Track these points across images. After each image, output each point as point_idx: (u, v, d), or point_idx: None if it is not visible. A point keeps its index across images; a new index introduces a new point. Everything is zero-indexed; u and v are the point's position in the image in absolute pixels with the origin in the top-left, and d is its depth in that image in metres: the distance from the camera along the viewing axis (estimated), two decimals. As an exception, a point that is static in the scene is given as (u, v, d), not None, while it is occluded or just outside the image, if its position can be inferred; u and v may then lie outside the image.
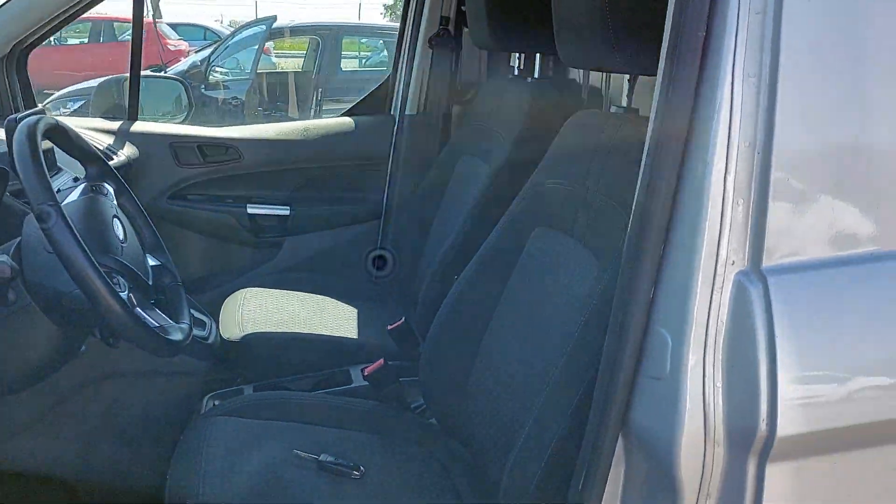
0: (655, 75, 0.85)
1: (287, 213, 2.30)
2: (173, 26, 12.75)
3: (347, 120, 2.40)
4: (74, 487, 1.48)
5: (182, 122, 2.34)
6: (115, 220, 1.17)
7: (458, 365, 1.41)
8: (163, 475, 1.31)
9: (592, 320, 1.07)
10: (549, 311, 1.25)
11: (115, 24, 12.69)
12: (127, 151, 2.08)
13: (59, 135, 1.17)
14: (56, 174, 1.60)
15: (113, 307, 0.99)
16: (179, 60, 8.52)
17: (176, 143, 2.17)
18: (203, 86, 6.32)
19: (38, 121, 1.08)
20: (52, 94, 5.73)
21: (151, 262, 1.28)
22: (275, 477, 1.25)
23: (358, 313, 2.04)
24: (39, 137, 1.05)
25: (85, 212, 1.14)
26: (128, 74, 2.18)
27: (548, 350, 1.19)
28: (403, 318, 1.77)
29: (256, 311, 1.92)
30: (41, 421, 1.44)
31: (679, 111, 0.79)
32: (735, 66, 0.77)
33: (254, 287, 2.07)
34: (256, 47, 6.13)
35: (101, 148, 1.98)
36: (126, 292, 1.08)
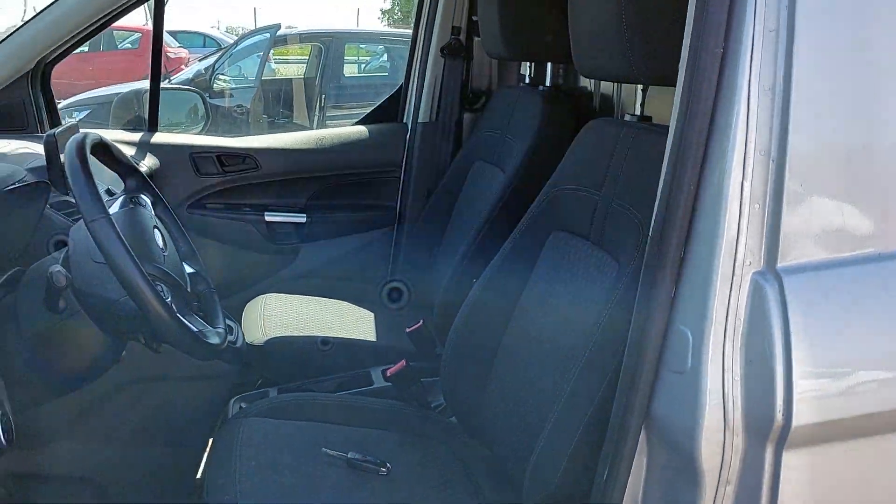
0: (669, 85, 0.91)
1: (303, 220, 2.35)
2: (173, 34, 12.81)
3: (361, 128, 2.46)
4: (107, 489, 1.53)
5: (199, 133, 2.39)
6: (156, 230, 1.22)
7: (478, 365, 1.47)
8: (192, 474, 1.36)
9: (612, 320, 1.11)
10: (567, 311, 1.30)
11: (115, 32, 12.78)
12: (148, 162, 2.14)
13: (102, 150, 1.23)
14: None
15: (161, 314, 1.04)
16: (181, 69, 8.58)
17: (196, 154, 2.23)
18: (208, 94, 6.38)
19: (84, 137, 1.13)
20: (58, 104, 5.78)
21: (187, 269, 1.33)
22: (306, 475, 1.31)
23: (375, 317, 2.10)
24: (88, 152, 1.10)
25: (128, 223, 1.19)
26: (147, 86, 2.24)
27: (567, 350, 1.23)
28: (422, 321, 1.83)
29: (277, 315, 1.97)
30: (76, 426, 1.49)
31: (698, 121, 0.84)
32: (751, 79, 0.83)
33: (273, 293, 2.13)
34: (261, 55, 6.18)
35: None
36: (169, 299, 1.13)
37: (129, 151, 2.10)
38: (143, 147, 2.18)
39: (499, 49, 1.93)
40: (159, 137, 2.23)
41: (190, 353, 1.13)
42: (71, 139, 1.11)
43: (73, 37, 2.00)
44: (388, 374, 1.62)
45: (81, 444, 1.49)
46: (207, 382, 1.62)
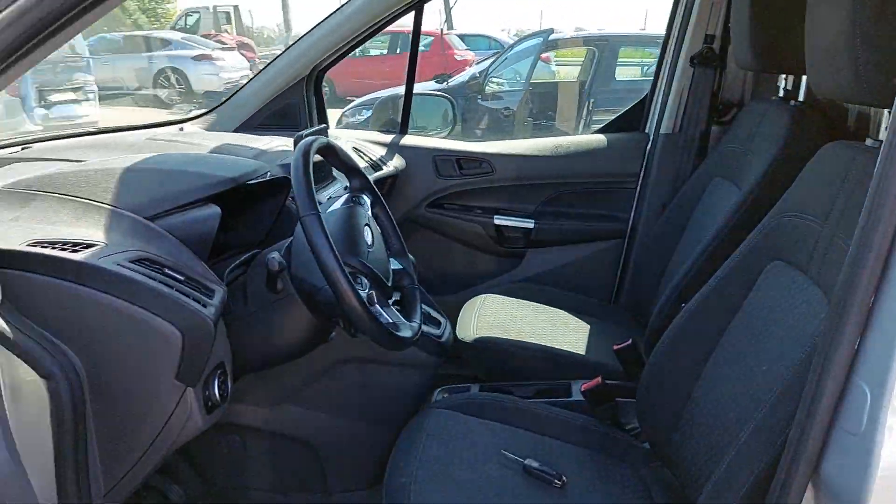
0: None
1: (531, 225, 2.39)
2: (461, 37, 13.62)
3: (599, 137, 2.43)
4: (318, 450, 1.71)
5: (445, 137, 2.54)
6: (367, 227, 1.34)
7: (676, 392, 1.39)
8: (387, 450, 1.47)
9: (807, 362, 1.01)
10: (770, 347, 1.19)
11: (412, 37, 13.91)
12: (396, 162, 2.33)
13: (330, 152, 1.37)
14: (331, 183, 1.85)
15: (353, 303, 1.15)
16: (464, 70, 9.10)
17: (438, 156, 2.38)
18: (479, 96, 6.71)
19: (312, 141, 1.28)
20: (353, 101, 6.48)
21: (394, 265, 1.44)
22: (480, 473, 1.35)
23: (589, 329, 2.07)
24: (312, 155, 1.25)
25: (343, 219, 1.32)
26: (403, 92, 2.43)
27: (762, 386, 1.14)
28: (630, 340, 1.77)
29: (492, 316, 2.04)
30: (299, 393, 1.69)
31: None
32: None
33: (493, 294, 2.20)
34: (532, 59, 6.34)
35: (374, 158, 2.25)
36: (366, 290, 1.24)
37: (379, 152, 2.31)
38: (393, 148, 2.38)
39: (748, 59, 1.79)
40: (407, 140, 2.41)
41: (378, 342, 1.22)
42: (300, 142, 1.26)
43: (343, 46, 2.25)
44: (582, 389, 1.60)
45: (302, 409, 1.68)
46: (414, 370, 1.73)
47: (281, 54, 2.29)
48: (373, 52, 14.28)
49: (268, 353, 1.31)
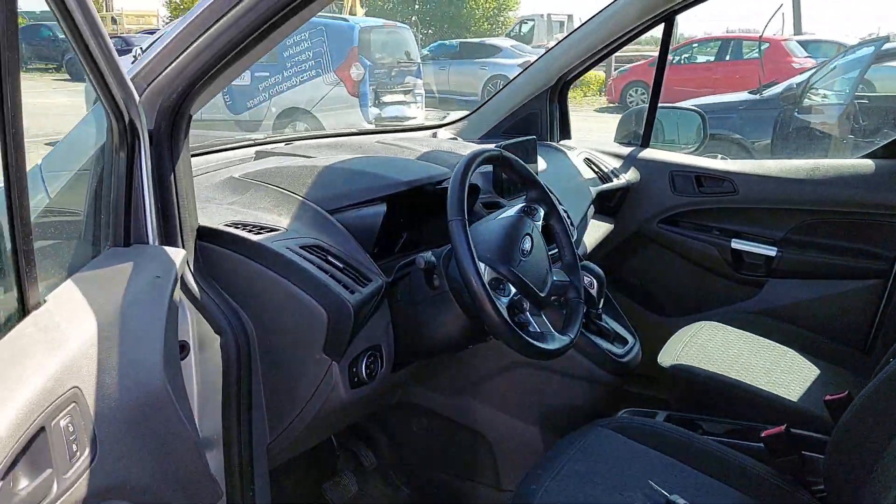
0: None
1: (773, 253, 2.19)
2: (804, 43, 12.45)
3: (866, 162, 2.13)
4: (492, 444, 1.80)
5: (693, 152, 2.44)
6: (527, 237, 1.38)
7: (865, 453, 1.22)
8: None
9: None
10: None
11: (744, 42, 13.08)
12: (629, 175, 2.31)
13: (504, 164, 1.44)
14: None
15: (486, 307, 1.21)
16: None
17: (675, 172, 2.30)
18: (797, 109, 6.11)
19: (481, 152, 1.37)
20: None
21: (559, 277, 1.46)
22: (615, 497, 1.32)
23: (816, 376, 1.86)
24: (476, 166, 1.33)
25: (504, 227, 1.38)
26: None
27: None
28: (847, 392, 1.56)
29: (704, 344, 1.92)
30: (477, 387, 1.79)
31: None
32: None
33: (717, 322, 2.07)
34: (858, 71, 5.60)
35: (604, 170, 2.25)
36: (509, 297, 1.29)
37: (613, 163, 2.32)
38: (629, 160, 2.35)
39: None
40: (645, 153, 2.36)
41: (513, 348, 1.26)
42: (469, 153, 1.35)
43: (589, 57, 2.29)
44: (762, 435, 1.47)
45: (479, 404, 1.78)
46: (592, 386, 1.72)
47: (530, 65, 2.40)
48: (700, 59, 13.73)
49: (426, 343, 1.42)
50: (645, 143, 2.41)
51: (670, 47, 2.36)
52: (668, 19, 2.20)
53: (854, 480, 1.22)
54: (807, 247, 2.18)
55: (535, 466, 1.43)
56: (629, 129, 2.46)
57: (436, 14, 29.94)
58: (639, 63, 14.24)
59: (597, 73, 15.55)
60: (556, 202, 1.53)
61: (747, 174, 2.23)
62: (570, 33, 2.33)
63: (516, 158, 1.45)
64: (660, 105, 2.38)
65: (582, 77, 2.44)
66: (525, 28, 23.66)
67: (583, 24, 2.28)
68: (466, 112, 2.50)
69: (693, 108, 2.45)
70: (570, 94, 2.45)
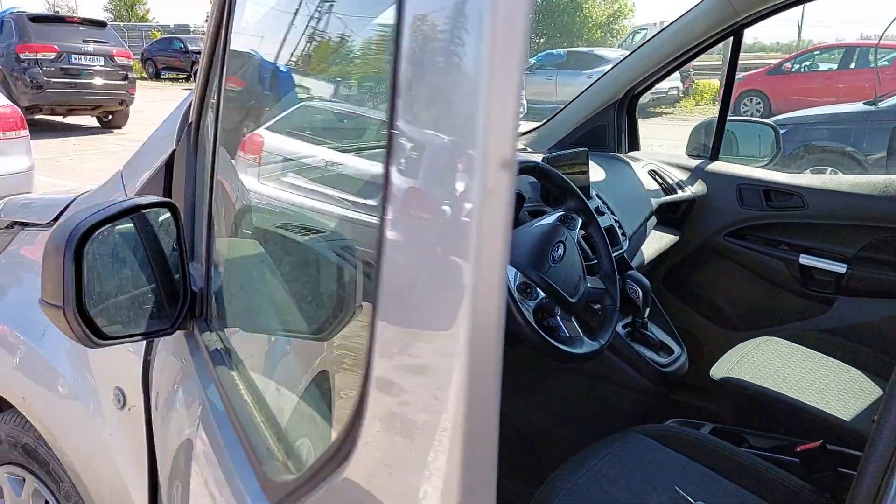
0: None
1: (843, 271, 2.13)
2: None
3: (947, 179, 2.05)
4: (532, 442, 1.86)
5: (764, 166, 2.40)
6: (560, 244, 1.44)
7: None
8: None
9: None
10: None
11: (872, 49, 12.33)
12: (695, 188, 2.30)
13: (541, 175, 1.51)
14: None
15: (510, 310, 1.29)
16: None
17: (742, 185, 2.27)
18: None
19: (520, 164, 1.44)
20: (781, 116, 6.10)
21: (594, 284, 1.51)
22: (637, 500, 1.36)
23: (877, 396, 1.80)
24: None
25: (537, 234, 1.45)
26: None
27: None
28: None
29: (760, 359, 1.91)
30: (522, 389, 1.85)
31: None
32: None
33: (781, 338, 2.04)
34: None
35: (669, 182, 2.26)
36: (536, 301, 1.35)
37: (679, 176, 2.32)
38: (696, 173, 2.34)
39: None
40: (713, 166, 2.35)
41: (541, 351, 1.33)
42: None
43: (657, 71, 2.31)
44: (797, 450, 1.46)
45: (524, 404, 1.85)
46: (634, 393, 1.74)
47: (599, 78, 2.44)
48: (822, 67, 13.04)
49: None
50: (714, 156, 2.39)
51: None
52: (737, 33, 2.19)
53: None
54: (880, 265, 2.11)
55: (563, 466, 1.48)
56: (699, 141, 2.45)
57: (548, 23, 29.86)
58: (755, 71, 13.71)
59: (710, 82, 15.09)
60: (596, 213, 1.58)
61: (817, 189, 2.18)
62: (639, 47, 2.36)
63: (553, 169, 1.51)
64: (730, 118, 2.36)
65: (695, 84, 2.45)
66: (638, 38, 23.20)
67: (651, 38, 2.30)
68: (538, 123, 2.57)
69: (766, 121, 2.42)
70: (682, 103, 2.48)
